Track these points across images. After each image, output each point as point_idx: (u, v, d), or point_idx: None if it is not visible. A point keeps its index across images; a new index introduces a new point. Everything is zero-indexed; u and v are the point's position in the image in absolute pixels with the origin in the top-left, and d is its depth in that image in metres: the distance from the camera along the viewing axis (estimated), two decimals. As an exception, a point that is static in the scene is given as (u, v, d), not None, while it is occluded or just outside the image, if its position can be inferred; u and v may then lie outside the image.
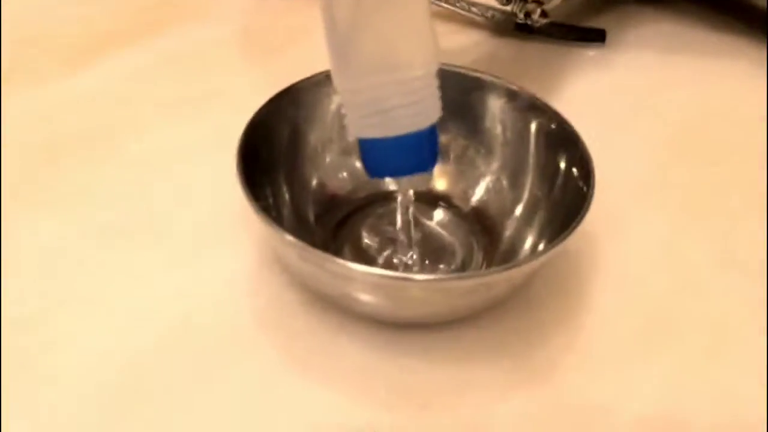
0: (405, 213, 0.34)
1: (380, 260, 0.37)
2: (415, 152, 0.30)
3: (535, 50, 0.52)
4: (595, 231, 0.38)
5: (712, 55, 0.53)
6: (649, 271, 0.37)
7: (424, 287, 0.31)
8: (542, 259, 0.31)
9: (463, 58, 0.41)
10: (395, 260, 0.37)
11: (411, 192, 0.35)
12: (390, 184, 0.38)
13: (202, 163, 0.43)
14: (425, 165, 0.31)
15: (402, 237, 0.36)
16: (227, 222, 0.39)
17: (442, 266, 0.37)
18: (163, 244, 0.37)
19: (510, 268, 0.31)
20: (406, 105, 0.29)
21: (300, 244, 0.31)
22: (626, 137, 0.45)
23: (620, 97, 0.50)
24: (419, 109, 0.30)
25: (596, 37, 0.53)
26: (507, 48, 0.54)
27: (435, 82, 0.30)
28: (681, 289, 0.37)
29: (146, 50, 0.51)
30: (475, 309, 0.33)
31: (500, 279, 0.32)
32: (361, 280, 0.31)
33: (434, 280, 0.31)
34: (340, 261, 0.30)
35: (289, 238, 0.31)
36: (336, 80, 0.30)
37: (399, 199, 0.34)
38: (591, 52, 0.52)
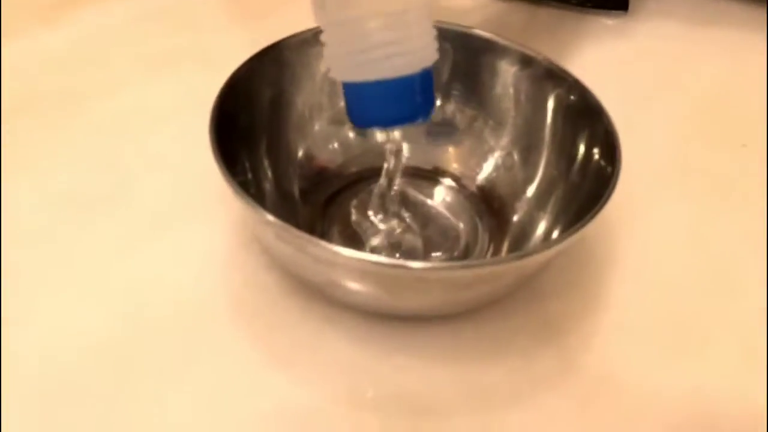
0: (393, 171, 0.31)
1: (373, 243, 0.33)
2: (406, 99, 0.28)
3: (548, 16, 0.50)
4: (613, 216, 0.34)
5: (740, 27, 0.50)
6: (673, 262, 0.35)
7: (420, 276, 0.27)
8: (557, 248, 0.27)
9: (468, 20, 0.37)
10: (390, 243, 0.33)
11: (402, 146, 0.31)
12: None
13: (176, 128, 0.39)
14: (418, 113, 0.28)
15: (390, 206, 0.33)
16: (201, 194, 0.35)
17: (442, 252, 0.33)
18: (129, 217, 0.35)
19: (520, 258, 0.27)
20: (395, 43, 0.27)
21: (279, 223, 0.26)
22: (647, 113, 0.43)
23: (641, 69, 0.46)
24: (410, 48, 0.27)
25: (617, 4, 0.49)
26: (518, 12, 0.50)
27: (429, 18, 0.28)
28: (707, 283, 0.34)
29: (123, 5, 0.48)
30: (479, 302, 0.30)
31: (508, 269, 0.28)
32: (348, 266, 0.27)
33: (433, 268, 0.27)
34: (325, 244, 0.26)
35: (268, 216, 0.27)
36: (316, 13, 0.27)
37: (387, 151, 0.31)
38: (610, 21, 0.49)
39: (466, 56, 0.35)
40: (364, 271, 0.27)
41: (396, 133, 0.31)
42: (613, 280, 0.34)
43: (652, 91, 0.45)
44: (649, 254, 0.35)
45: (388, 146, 0.31)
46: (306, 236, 0.26)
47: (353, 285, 0.29)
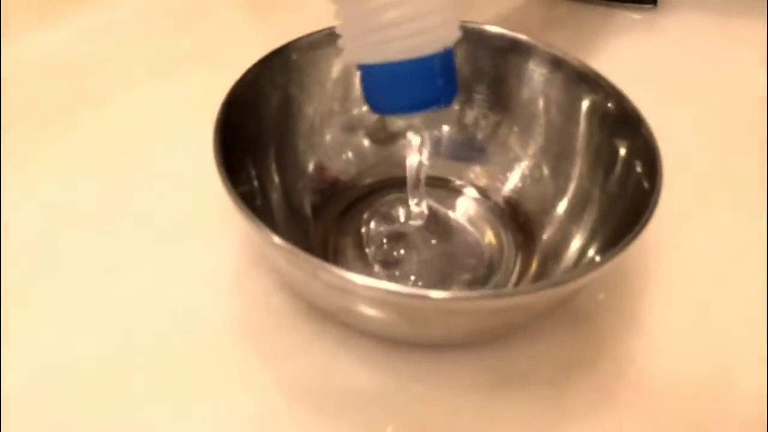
0: (417, 169, 0.29)
1: (391, 262, 0.31)
2: (426, 82, 0.26)
3: (572, 11, 0.47)
4: (649, 230, 0.31)
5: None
6: (717, 281, 0.32)
7: (442, 307, 0.24)
8: (592, 275, 0.25)
9: (481, 16, 0.34)
10: (410, 262, 0.31)
11: (425, 137, 0.29)
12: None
13: (180, 135, 0.37)
14: (439, 98, 0.26)
15: (416, 218, 0.31)
16: (207, 207, 0.33)
17: (464, 272, 0.31)
18: (130, 232, 0.33)
19: (553, 286, 0.24)
20: (412, 20, 0.25)
21: (287, 246, 0.24)
22: (683, 116, 0.40)
23: (674, 68, 0.44)
24: (429, 26, 0.25)
25: None
26: (539, 7, 0.47)
27: None
28: (756, 303, 0.31)
29: (126, 4, 0.46)
30: (505, 330, 0.27)
31: (538, 299, 0.25)
32: (363, 294, 0.24)
33: (454, 298, 0.24)
34: (338, 270, 0.24)
35: (276, 239, 0.24)
36: None
37: (409, 145, 0.29)
38: (638, 15, 0.47)
39: (488, 57, 0.33)
40: (380, 300, 0.25)
41: (417, 120, 0.28)
42: (651, 301, 0.31)
43: (686, 91, 0.42)
44: (690, 272, 0.33)
45: (409, 135, 0.29)
46: (316, 261, 0.24)
47: (369, 312, 0.26)
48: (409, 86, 0.26)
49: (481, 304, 0.24)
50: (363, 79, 0.27)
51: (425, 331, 0.27)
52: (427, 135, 0.29)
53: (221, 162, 0.26)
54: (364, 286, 0.24)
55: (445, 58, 0.26)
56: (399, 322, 0.26)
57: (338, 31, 0.26)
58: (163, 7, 0.45)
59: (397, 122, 0.32)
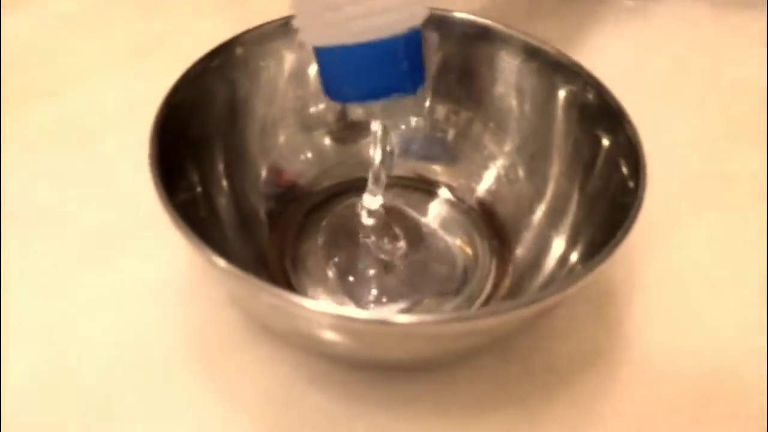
0: (382, 160, 0.27)
1: (354, 272, 0.29)
2: (390, 66, 0.24)
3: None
4: (632, 234, 0.28)
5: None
6: (705, 290, 0.30)
7: (407, 333, 0.21)
8: (571, 289, 0.22)
9: (460, 4, 0.31)
10: (375, 272, 0.29)
11: (389, 127, 0.27)
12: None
13: (132, 134, 0.34)
14: (403, 84, 0.24)
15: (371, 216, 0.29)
16: (155, 213, 0.30)
17: (435, 285, 0.29)
18: (71, 238, 0.31)
19: (528, 304, 0.22)
20: None
21: (228, 267, 0.21)
22: (672, 110, 0.38)
23: (665, 58, 0.41)
24: (393, 4, 0.23)
25: None
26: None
27: None
28: (747, 314, 0.30)
29: None
30: (474, 351, 0.25)
31: (510, 319, 0.22)
32: (313, 319, 0.22)
33: (419, 323, 0.21)
34: (287, 295, 0.21)
35: (215, 258, 0.21)
36: None
37: (373, 135, 0.27)
38: (629, 2, 0.45)
39: (458, 47, 0.30)
40: (332, 325, 0.22)
41: (377, 108, 0.26)
42: (635, 313, 0.29)
43: (676, 83, 0.40)
44: (676, 280, 0.31)
45: (373, 126, 0.27)
46: (257, 282, 0.21)
47: (323, 336, 0.24)
48: (372, 71, 0.24)
49: (446, 327, 0.22)
50: (320, 64, 0.25)
51: (385, 356, 0.25)
52: (391, 125, 0.27)
53: (157, 168, 0.24)
54: (313, 311, 0.21)
55: (412, 39, 0.24)
56: (355, 346, 0.24)
57: (292, 9, 0.24)
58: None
59: (359, 114, 0.29)
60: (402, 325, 0.21)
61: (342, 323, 0.21)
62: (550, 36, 0.31)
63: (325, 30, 0.24)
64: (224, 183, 0.28)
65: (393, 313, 0.27)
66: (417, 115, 0.31)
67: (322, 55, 0.24)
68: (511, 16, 0.33)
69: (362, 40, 0.24)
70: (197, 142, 0.28)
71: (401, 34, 0.24)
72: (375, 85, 0.24)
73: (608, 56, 0.40)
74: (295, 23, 0.24)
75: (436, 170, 0.32)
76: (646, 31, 0.43)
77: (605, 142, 0.27)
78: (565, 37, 0.41)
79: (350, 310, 0.21)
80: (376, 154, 0.28)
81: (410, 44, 0.24)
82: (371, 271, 0.29)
